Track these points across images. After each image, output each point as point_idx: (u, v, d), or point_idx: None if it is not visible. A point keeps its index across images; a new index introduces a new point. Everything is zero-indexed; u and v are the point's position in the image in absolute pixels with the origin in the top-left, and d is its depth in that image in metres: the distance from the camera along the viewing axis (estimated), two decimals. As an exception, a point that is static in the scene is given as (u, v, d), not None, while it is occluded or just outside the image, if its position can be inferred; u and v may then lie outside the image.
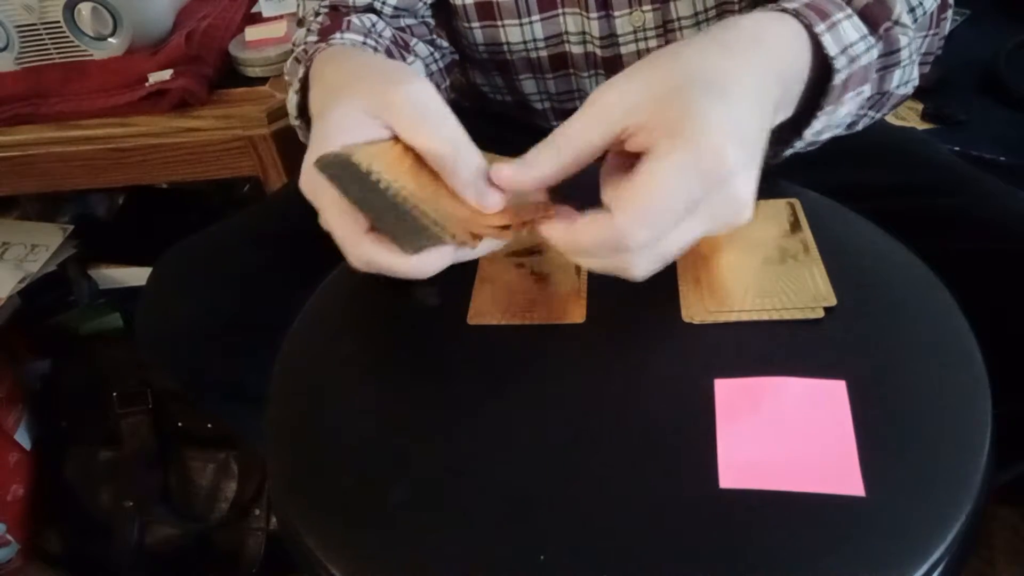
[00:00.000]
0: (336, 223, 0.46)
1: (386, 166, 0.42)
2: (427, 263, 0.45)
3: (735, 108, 0.40)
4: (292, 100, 0.58)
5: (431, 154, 0.43)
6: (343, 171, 0.42)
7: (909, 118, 0.99)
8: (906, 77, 0.52)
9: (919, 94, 1.00)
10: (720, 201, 0.40)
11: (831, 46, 0.45)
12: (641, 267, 0.42)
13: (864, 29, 0.48)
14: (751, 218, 0.42)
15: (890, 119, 0.97)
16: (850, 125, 0.55)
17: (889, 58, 0.50)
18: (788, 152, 0.51)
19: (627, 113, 0.41)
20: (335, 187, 0.44)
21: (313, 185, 0.45)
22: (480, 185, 0.44)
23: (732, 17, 0.46)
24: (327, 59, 0.54)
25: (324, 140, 0.45)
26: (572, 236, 0.42)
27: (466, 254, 0.47)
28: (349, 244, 0.46)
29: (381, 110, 0.45)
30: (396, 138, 0.45)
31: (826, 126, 0.49)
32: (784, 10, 0.46)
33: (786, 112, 0.47)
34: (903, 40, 0.50)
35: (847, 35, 0.46)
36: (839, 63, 0.46)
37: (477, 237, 0.45)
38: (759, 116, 0.42)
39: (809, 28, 0.46)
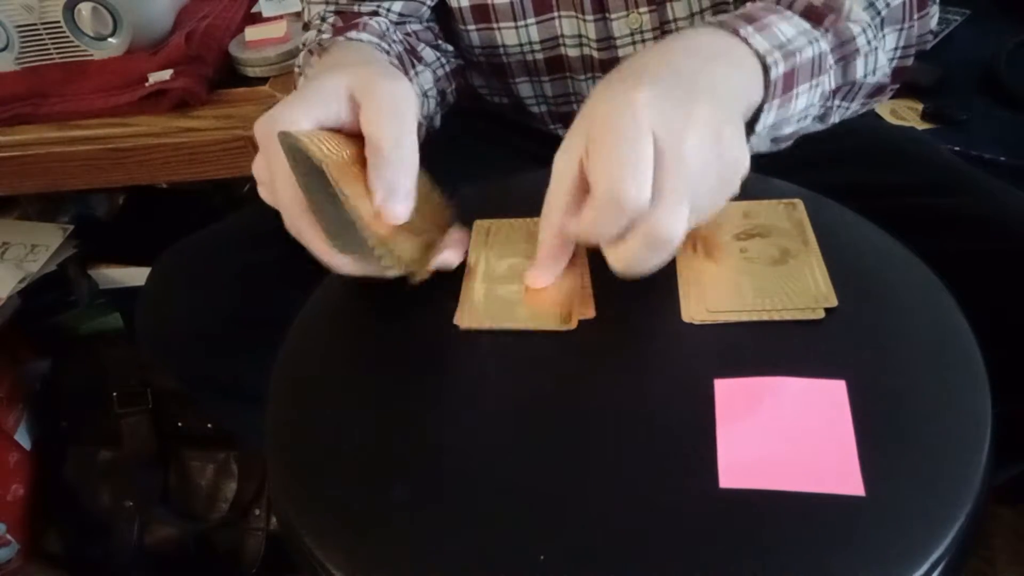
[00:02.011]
0: (282, 185, 0.47)
1: (337, 167, 0.44)
2: (345, 263, 0.48)
3: (644, 74, 0.43)
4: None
5: (371, 142, 0.46)
6: (301, 155, 0.44)
7: (909, 118, 0.99)
8: (871, 66, 0.53)
9: (919, 94, 1.00)
10: (672, 113, 0.41)
11: (760, 44, 0.47)
12: (667, 216, 0.41)
13: (805, 25, 0.49)
14: (728, 135, 0.42)
15: (890, 119, 0.97)
16: (822, 118, 0.55)
17: (845, 48, 0.51)
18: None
19: (571, 148, 0.43)
20: (292, 168, 0.46)
21: (270, 135, 0.46)
22: (393, 190, 0.45)
23: None
24: (342, 48, 0.56)
25: (301, 101, 0.47)
26: (590, 222, 0.42)
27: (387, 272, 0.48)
28: (289, 211, 0.48)
29: (359, 92, 0.47)
30: (353, 140, 0.47)
31: (782, 120, 0.50)
32: (709, 23, 0.49)
33: (749, 94, 0.47)
34: (855, 29, 0.51)
35: (783, 33, 0.48)
36: (771, 58, 0.47)
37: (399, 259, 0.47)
38: (674, 64, 0.44)
39: (736, 32, 0.47)
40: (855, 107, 0.57)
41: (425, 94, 0.65)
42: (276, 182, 0.48)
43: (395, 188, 0.46)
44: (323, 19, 0.66)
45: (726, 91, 0.45)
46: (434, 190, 0.51)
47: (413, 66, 0.64)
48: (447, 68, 0.69)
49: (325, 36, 0.61)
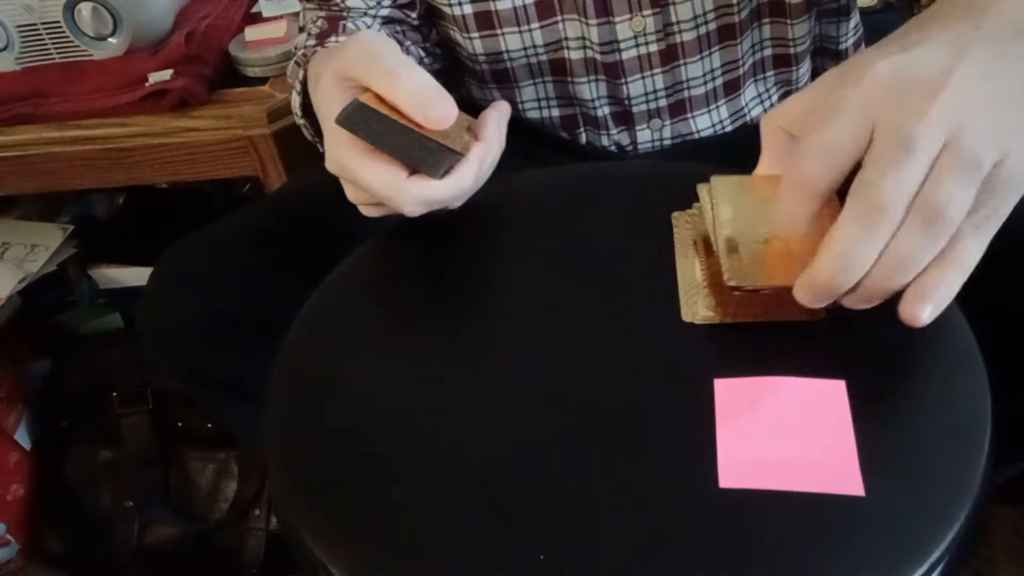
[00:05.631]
0: (375, 180, 0.49)
1: (375, 101, 0.48)
2: (459, 181, 0.50)
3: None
4: (295, 101, 0.62)
5: (380, 91, 0.48)
6: (359, 117, 0.47)
7: (909, 118, 0.98)
8: None
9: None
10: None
11: None
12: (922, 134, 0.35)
13: None
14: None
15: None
16: None
17: None
18: None
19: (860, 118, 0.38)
20: (361, 137, 0.48)
21: (339, 160, 0.50)
22: (424, 103, 0.47)
23: None
24: (322, 59, 0.56)
25: (327, 121, 0.49)
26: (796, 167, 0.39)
27: (484, 166, 0.51)
28: (395, 192, 0.49)
29: (342, 70, 0.50)
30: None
31: None
32: None
33: None
34: None
35: None
36: None
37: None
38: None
39: None
40: None
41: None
42: (363, 177, 0.49)
43: (423, 99, 0.47)
44: (314, 22, 0.67)
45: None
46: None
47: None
48: (432, 66, 0.69)
49: (309, 44, 0.62)
